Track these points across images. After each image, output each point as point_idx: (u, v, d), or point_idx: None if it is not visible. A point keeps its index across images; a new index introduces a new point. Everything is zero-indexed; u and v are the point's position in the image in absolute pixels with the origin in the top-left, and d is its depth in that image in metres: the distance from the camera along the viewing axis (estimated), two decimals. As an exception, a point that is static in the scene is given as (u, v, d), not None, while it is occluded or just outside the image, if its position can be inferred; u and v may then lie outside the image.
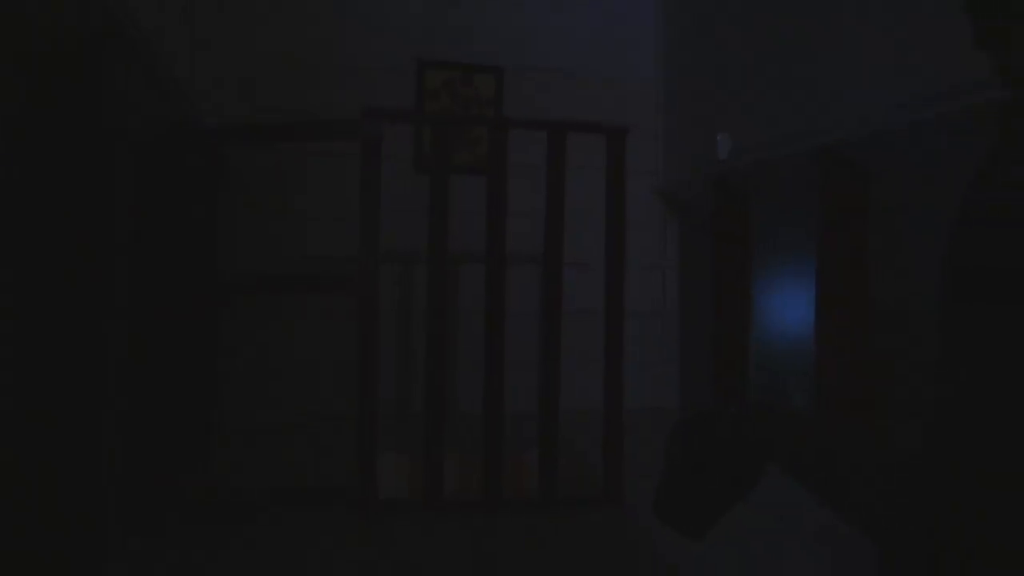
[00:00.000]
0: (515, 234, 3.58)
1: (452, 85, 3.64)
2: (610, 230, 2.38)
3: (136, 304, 1.94)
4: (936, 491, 0.55)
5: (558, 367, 2.31)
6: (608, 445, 2.33)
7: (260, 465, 2.67)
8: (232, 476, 2.50)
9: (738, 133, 3.05)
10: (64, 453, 1.35)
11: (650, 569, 1.78)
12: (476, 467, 2.59)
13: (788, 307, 3.93)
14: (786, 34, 2.75)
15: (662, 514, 0.81)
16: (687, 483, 0.79)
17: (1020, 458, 0.49)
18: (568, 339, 3.65)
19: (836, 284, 2.40)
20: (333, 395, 3.50)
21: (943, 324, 0.59)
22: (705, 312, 3.69)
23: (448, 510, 2.19)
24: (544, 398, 2.30)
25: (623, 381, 2.36)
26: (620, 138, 2.37)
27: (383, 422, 3.26)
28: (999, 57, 0.53)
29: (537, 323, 3.47)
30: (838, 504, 0.67)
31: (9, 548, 1.31)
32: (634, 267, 3.80)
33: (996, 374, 0.51)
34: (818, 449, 0.70)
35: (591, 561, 1.84)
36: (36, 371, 1.33)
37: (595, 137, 3.72)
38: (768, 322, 3.90)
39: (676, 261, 3.91)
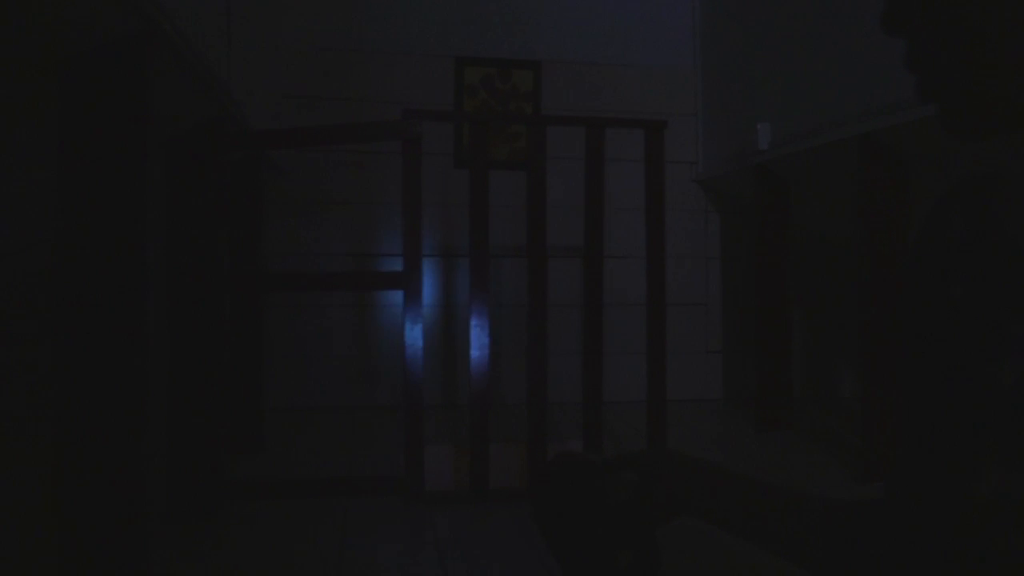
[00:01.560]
0: (555, 222, 3.60)
1: (490, 81, 3.68)
2: (650, 222, 2.40)
3: (181, 293, 2.01)
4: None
5: (600, 358, 2.34)
6: (651, 435, 2.36)
7: (306, 449, 2.75)
8: (280, 460, 2.59)
9: (778, 120, 3.03)
10: (110, 437, 1.41)
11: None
12: (521, 457, 2.64)
13: (832, 294, 3.89)
14: (825, 20, 2.73)
15: None
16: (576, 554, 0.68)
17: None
18: (610, 330, 3.67)
19: (877, 270, 2.39)
20: (376, 382, 3.58)
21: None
22: (748, 301, 3.68)
23: (493, 499, 2.24)
24: (587, 389, 2.33)
25: (666, 371, 2.38)
26: (658, 131, 2.38)
27: (429, 412, 3.33)
28: (925, 82, 0.52)
29: (579, 314, 3.50)
30: (764, 543, 0.65)
31: (57, 535, 1.39)
32: (675, 257, 3.80)
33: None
34: (736, 497, 0.66)
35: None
36: (78, 361, 1.40)
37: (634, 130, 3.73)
38: (814, 309, 3.87)
39: (718, 250, 3.90)
